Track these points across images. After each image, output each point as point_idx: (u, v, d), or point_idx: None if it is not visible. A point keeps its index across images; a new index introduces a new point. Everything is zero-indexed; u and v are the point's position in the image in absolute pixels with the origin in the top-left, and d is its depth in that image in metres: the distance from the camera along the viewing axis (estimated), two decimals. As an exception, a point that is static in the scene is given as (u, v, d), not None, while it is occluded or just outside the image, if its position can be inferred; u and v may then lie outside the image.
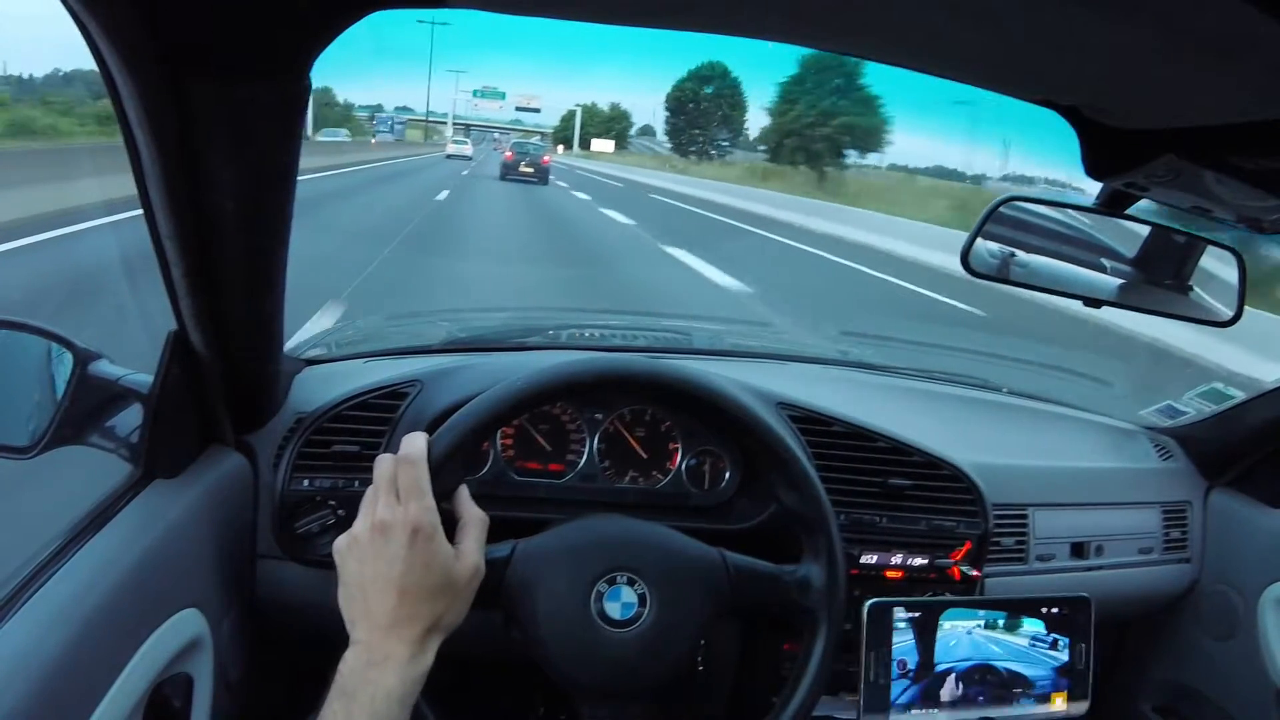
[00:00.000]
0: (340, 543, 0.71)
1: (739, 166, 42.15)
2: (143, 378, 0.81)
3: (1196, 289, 1.00)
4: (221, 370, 0.83)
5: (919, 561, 1.07)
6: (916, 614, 0.83)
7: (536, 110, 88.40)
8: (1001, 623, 0.85)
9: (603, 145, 72.85)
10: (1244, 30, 0.44)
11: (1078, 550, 1.20)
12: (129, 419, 0.82)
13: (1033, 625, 0.86)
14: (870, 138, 36.25)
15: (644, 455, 1.09)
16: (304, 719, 0.69)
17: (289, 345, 1.02)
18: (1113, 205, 0.86)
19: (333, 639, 0.69)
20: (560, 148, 73.92)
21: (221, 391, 0.86)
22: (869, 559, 1.06)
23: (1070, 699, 0.88)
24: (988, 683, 0.86)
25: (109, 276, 4.59)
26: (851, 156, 36.99)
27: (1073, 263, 0.99)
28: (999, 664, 0.85)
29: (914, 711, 0.85)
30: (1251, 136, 0.61)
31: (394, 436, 0.98)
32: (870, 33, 0.60)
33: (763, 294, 7.38)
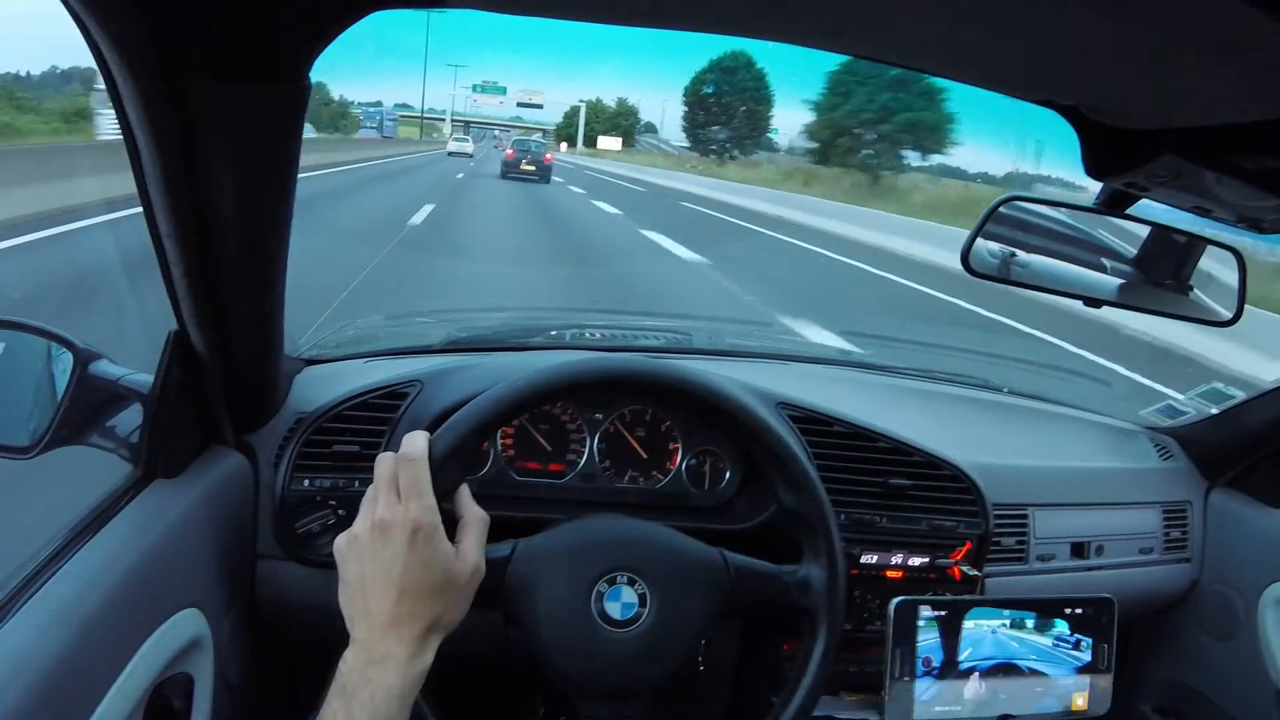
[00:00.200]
0: (341, 541, 0.72)
1: (767, 168, 37.94)
2: (143, 378, 0.81)
3: (1196, 289, 0.99)
4: (222, 370, 0.83)
5: (919, 561, 1.07)
6: (942, 613, 0.83)
7: (539, 106, 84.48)
8: (1025, 622, 0.85)
9: (609, 143, 68.20)
10: (1244, 30, 0.44)
11: (1078, 550, 1.20)
12: (129, 419, 0.82)
13: (1057, 625, 0.86)
14: (934, 137, 30.04)
15: (644, 455, 1.09)
16: (304, 719, 0.69)
17: (289, 345, 1.02)
18: (1113, 205, 0.86)
19: (333, 639, 0.69)
20: (564, 145, 70.66)
21: (222, 391, 0.86)
22: (869, 559, 1.06)
23: (1091, 699, 0.89)
24: (1010, 681, 0.86)
25: (48, 300, 4.18)
26: (910, 159, 31.10)
27: (1073, 263, 0.99)
28: (1022, 663, 0.85)
29: (937, 709, 0.85)
30: (1251, 136, 0.61)
31: (394, 436, 0.98)
32: (871, 33, 0.60)
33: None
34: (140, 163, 0.62)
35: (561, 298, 6.33)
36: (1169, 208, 0.83)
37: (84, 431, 0.80)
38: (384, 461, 0.73)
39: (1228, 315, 0.98)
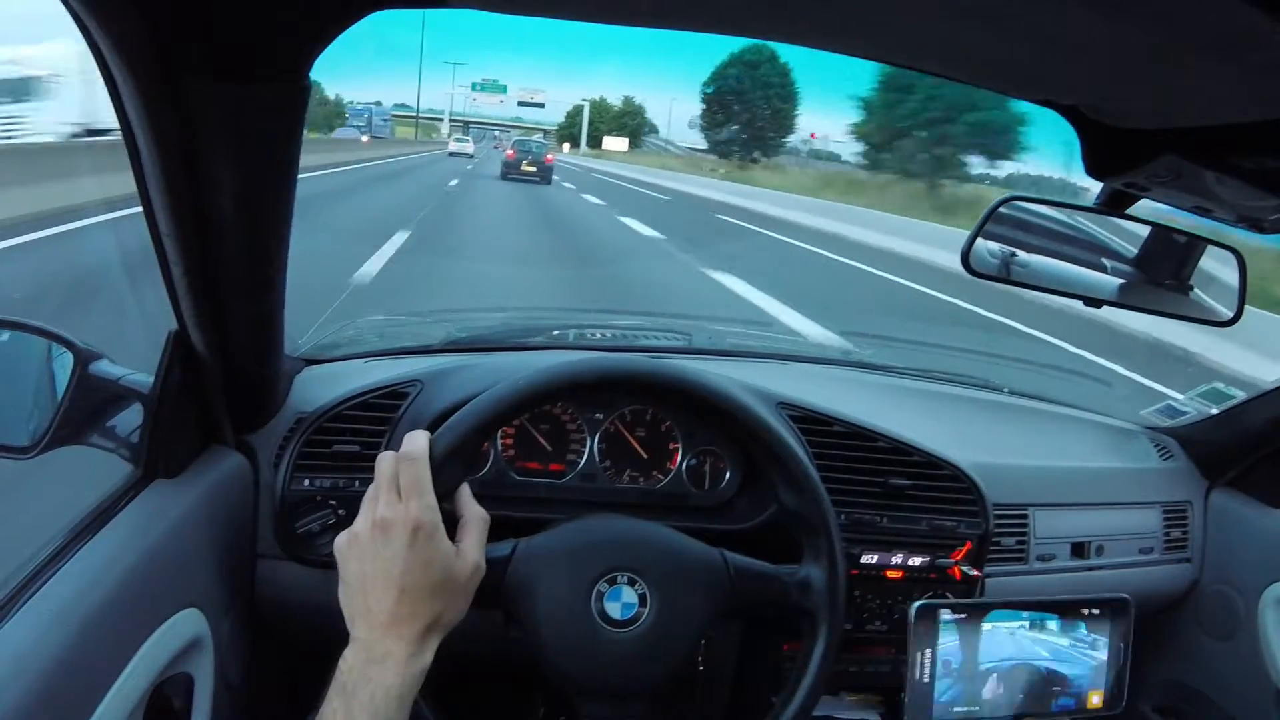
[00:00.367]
0: (341, 540, 0.72)
1: (797, 173, 34.56)
2: (143, 378, 0.81)
3: (1196, 289, 0.99)
4: (222, 370, 0.83)
5: (919, 561, 1.07)
6: (962, 615, 0.85)
7: (540, 105, 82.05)
8: (1044, 624, 0.86)
9: (615, 143, 65.44)
10: (1244, 30, 0.44)
11: (1078, 550, 1.20)
12: (129, 419, 0.82)
13: (1075, 626, 0.87)
14: (1004, 139, 25.60)
15: (644, 455, 1.09)
16: (304, 719, 0.69)
17: (289, 345, 1.02)
18: (1113, 205, 0.86)
19: (333, 639, 0.69)
20: (566, 146, 68.10)
21: (222, 391, 0.86)
22: (869, 559, 1.06)
23: (1106, 697, 0.90)
24: (1028, 682, 0.87)
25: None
26: (973, 165, 26.67)
27: (1073, 263, 0.99)
28: (1039, 664, 0.86)
29: (956, 709, 0.86)
30: (1251, 136, 0.61)
31: (394, 436, 0.98)
32: (872, 33, 0.60)
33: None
34: (140, 163, 0.62)
35: (562, 298, 6.17)
36: (1169, 208, 0.83)
37: (84, 431, 0.80)
38: (385, 460, 0.73)
39: (1228, 315, 0.98)
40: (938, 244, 10.06)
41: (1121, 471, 1.29)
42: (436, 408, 0.97)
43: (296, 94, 0.59)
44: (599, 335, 1.59)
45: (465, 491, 0.76)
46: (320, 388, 1.04)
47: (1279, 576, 1.17)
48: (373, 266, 6.37)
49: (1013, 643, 0.86)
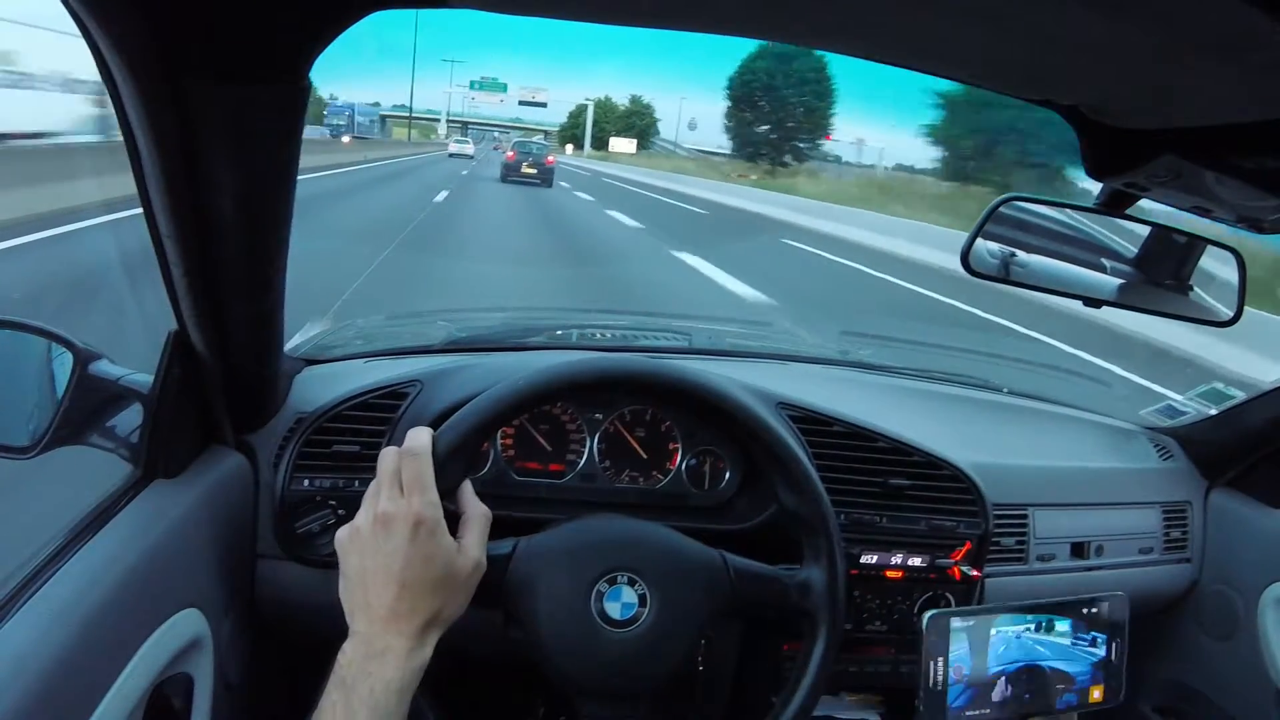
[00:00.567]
0: (342, 534, 0.72)
1: (838, 180, 30.14)
2: (143, 378, 0.81)
3: (1196, 289, 0.99)
4: (222, 370, 0.83)
5: (919, 561, 1.07)
6: (970, 623, 0.88)
7: (542, 104, 77.27)
8: (1047, 625, 0.90)
9: (623, 145, 61.52)
10: (1244, 30, 0.44)
11: (1078, 550, 1.20)
12: (129, 419, 0.82)
13: (1075, 625, 0.91)
14: None
15: (644, 455, 1.09)
16: (304, 718, 0.69)
17: (289, 345, 1.02)
18: (1113, 205, 0.86)
19: (333, 638, 0.69)
20: (569, 148, 64.79)
21: (222, 391, 0.86)
22: (869, 559, 1.06)
23: (1106, 691, 0.94)
24: (1034, 682, 0.91)
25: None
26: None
27: (1073, 263, 0.99)
28: (1044, 664, 0.90)
29: (968, 713, 0.89)
30: (1251, 136, 0.61)
31: (394, 436, 0.98)
32: (871, 33, 0.60)
33: None
34: (140, 163, 0.62)
35: (562, 298, 6.07)
36: (1169, 208, 0.83)
37: (84, 431, 0.80)
38: (387, 456, 0.73)
39: (1228, 315, 0.98)
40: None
41: (1121, 471, 1.29)
42: (436, 408, 0.97)
43: (296, 95, 0.59)
44: (599, 335, 1.59)
45: (467, 488, 0.76)
46: (320, 388, 1.04)
47: (1279, 576, 1.17)
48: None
49: (1019, 645, 0.89)
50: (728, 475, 1.09)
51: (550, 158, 23.54)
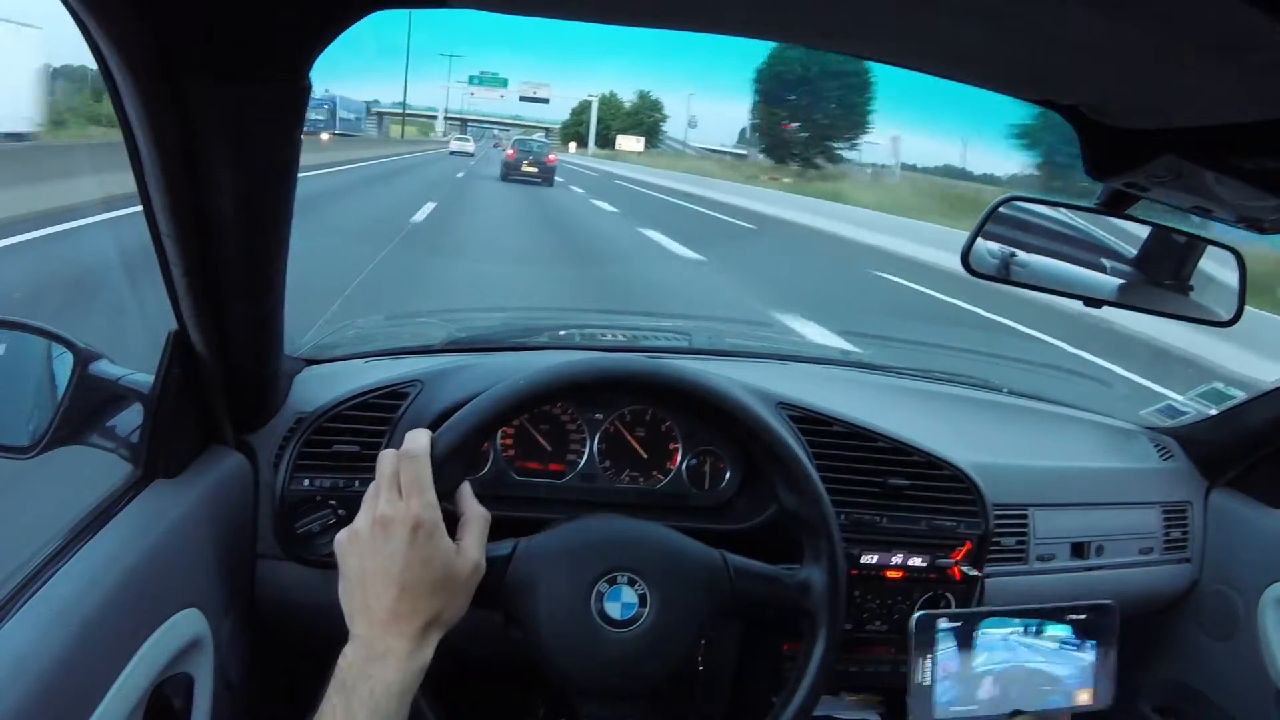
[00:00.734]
0: (342, 537, 0.72)
1: (891, 186, 26.85)
2: (143, 378, 0.81)
3: (1197, 289, 1.00)
4: (222, 370, 0.83)
5: (919, 561, 1.07)
6: (958, 624, 0.91)
7: (545, 100, 71.96)
8: (1034, 629, 0.92)
9: (630, 143, 57.12)
10: (1244, 30, 0.44)
11: (1078, 550, 1.20)
12: (129, 419, 0.82)
13: (1062, 630, 0.93)
14: None
15: (644, 455, 1.09)
16: (304, 719, 0.69)
17: (289, 345, 1.02)
18: (1113, 205, 0.86)
19: (333, 639, 0.69)
20: (573, 146, 62.15)
21: (222, 391, 0.86)
22: (869, 559, 1.06)
23: (1095, 695, 0.96)
24: (1020, 682, 0.93)
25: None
26: None
27: (1073, 263, 0.99)
28: (1031, 665, 0.92)
29: (955, 709, 0.92)
30: (1251, 136, 0.61)
31: (394, 436, 0.98)
32: (871, 33, 0.60)
33: None
34: (140, 163, 0.62)
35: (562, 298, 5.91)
36: (1169, 208, 0.83)
37: (84, 431, 0.80)
38: (386, 458, 0.73)
39: (1228, 315, 0.98)
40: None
41: (1121, 471, 1.29)
42: (437, 408, 0.97)
43: (297, 94, 0.59)
44: (599, 335, 1.59)
45: (466, 490, 0.76)
46: (320, 388, 1.04)
47: (1279, 576, 1.17)
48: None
49: (1005, 647, 0.91)
50: (728, 475, 1.09)
51: (551, 156, 23.02)
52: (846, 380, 1.44)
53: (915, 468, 1.08)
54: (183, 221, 0.66)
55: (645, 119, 62.32)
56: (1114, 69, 0.57)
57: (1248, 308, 0.97)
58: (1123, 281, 0.99)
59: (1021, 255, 0.97)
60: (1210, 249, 0.97)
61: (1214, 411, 1.31)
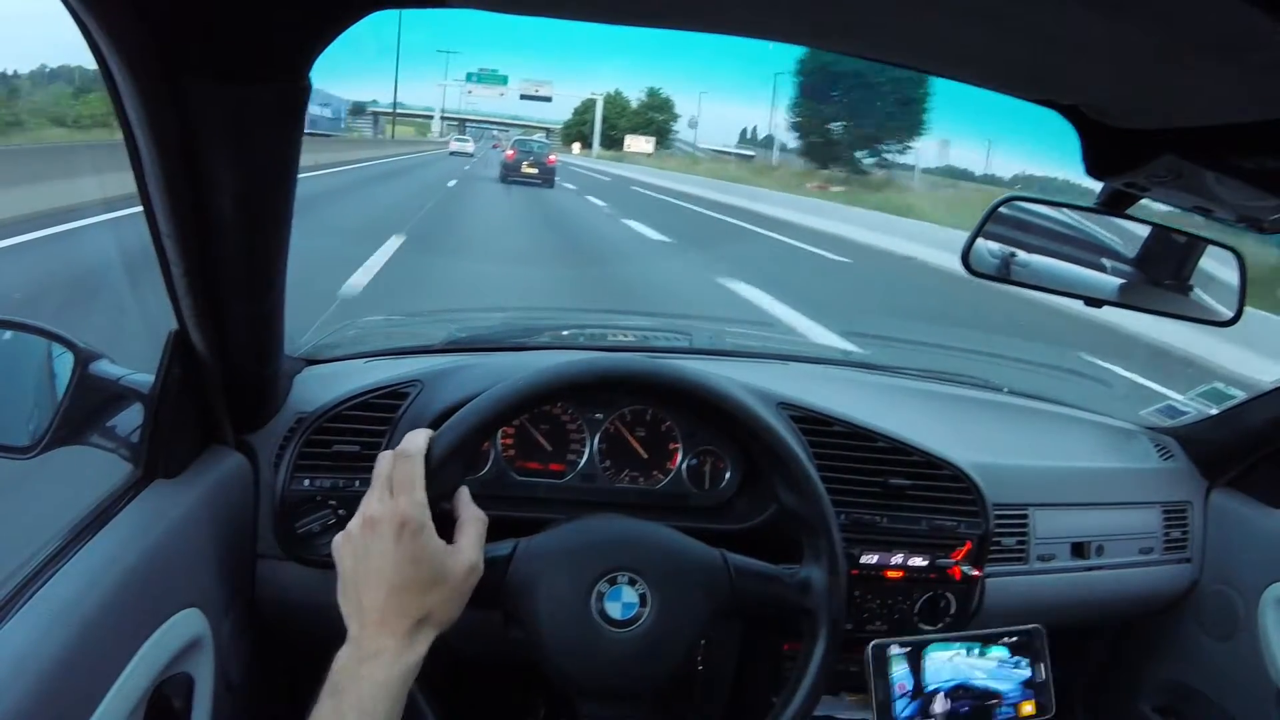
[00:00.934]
0: (337, 539, 0.72)
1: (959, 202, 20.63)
2: (143, 378, 0.81)
3: (1196, 289, 1.00)
4: (222, 370, 0.83)
5: (919, 561, 1.07)
6: (907, 649, 1.01)
7: (547, 99, 67.61)
8: (974, 650, 1.03)
9: (640, 144, 54.41)
10: (1244, 30, 0.44)
11: (1078, 550, 1.20)
12: (129, 419, 0.82)
13: (998, 650, 1.03)
14: None
15: (644, 455, 1.09)
16: (304, 719, 0.69)
17: (289, 345, 1.02)
18: (1113, 205, 0.86)
19: (333, 639, 0.69)
20: (577, 147, 59.04)
21: (222, 391, 0.86)
22: (869, 559, 1.06)
23: (1037, 707, 1.05)
24: (968, 697, 1.03)
25: None
26: None
27: (1073, 263, 0.99)
28: (976, 683, 1.02)
29: None
30: (1251, 136, 0.61)
31: (394, 436, 0.98)
32: (871, 32, 0.60)
33: None
34: (140, 163, 0.62)
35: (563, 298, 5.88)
36: (1169, 208, 0.83)
37: (84, 431, 0.80)
38: (383, 459, 0.74)
39: (1228, 315, 0.98)
40: None
41: (1121, 471, 1.29)
42: (436, 408, 0.97)
43: (297, 94, 0.59)
44: (599, 335, 1.59)
45: (464, 493, 0.76)
46: (320, 388, 1.04)
47: (1279, 576, 1.17)
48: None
49: (951, 667, 1.01)
50: (728, 475, 1.09)
51: (552, 157, 22.61)
52: (846, 380, 1.44)
53: (915, 468, 1.08)
54: (183, 221, 0.66)
55: (655, 118, 59.56)
56: (1114, 69, 0.57)
57: (1247, 308, 0.97)
58: (1123, 281, 0.99)
59: (1022, 255, 0.97)
60: (1210, 249, 0.97)
61: (1214, 411, 1.31)
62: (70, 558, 0.69)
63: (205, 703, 0.80)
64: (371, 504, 0.71)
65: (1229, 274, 0.98)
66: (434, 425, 0.79)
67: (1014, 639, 1.02)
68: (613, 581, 0.78)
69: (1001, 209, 0.95)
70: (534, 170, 20.81)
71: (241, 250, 0.72)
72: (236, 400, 0.90)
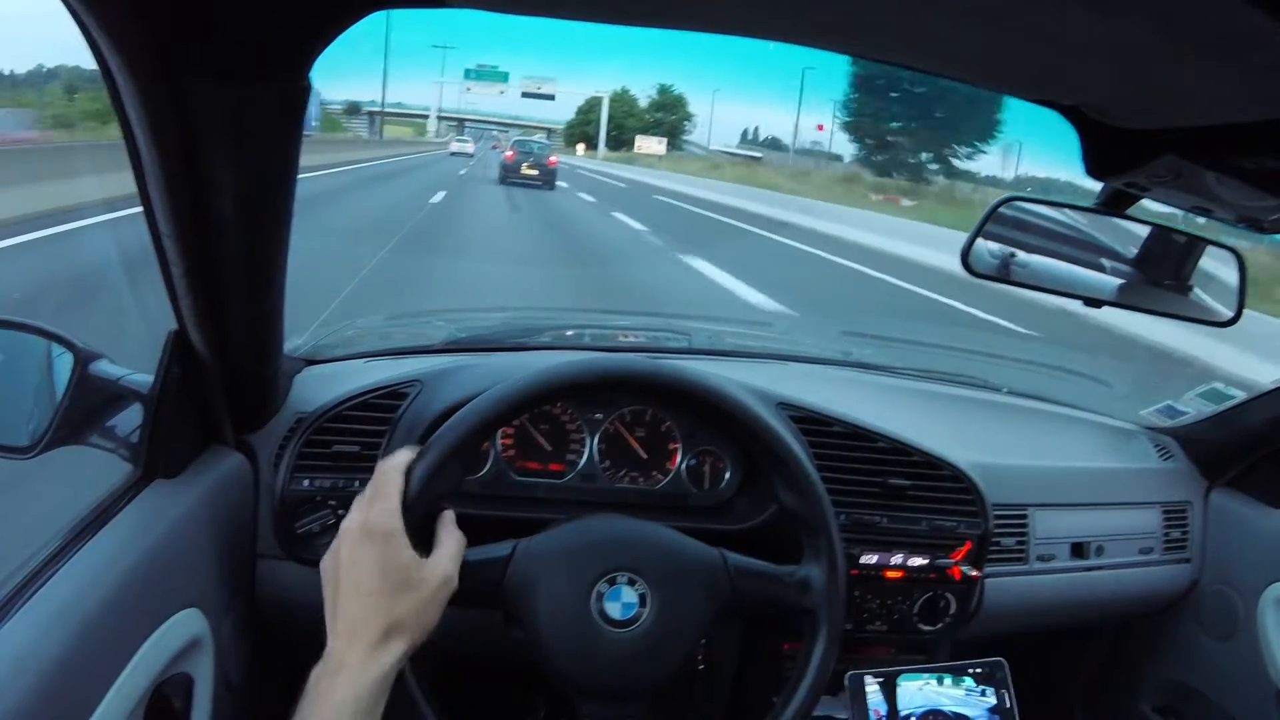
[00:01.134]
0: (325, 559, 0.73)
1: None
2: (143, 378, 0.81)
3: (1196, 289, 1.00)
4: (221, 370, 0.83)
5: (919, 562, 1.07)
6: (881, 679, 1.06)
7: (550, 97, 63.10)
8: (944, 680, 1.08)
9: (651, 145, 50.29)
10: (1245, 30, 0.44)
11: (1078, 550, 1.20)
12: (129, 419, 0.82)
13: (965, 681, 1.08)
14: None
15: (644, 455, 1.09)
16: None
17: (289, 345, 1.02)
18: (1113, 205, 0.86)
19: None
20: (581, 148, 54.98)
21: (221, 391, 0.86)
22: (869, 559, 1.06)
23: None
24: None
25: None
26: None
27: (1073, 263, 0.99)
28: (945, 709, 1.07)
29: None
30: (1251, 136, 0.61)
31: (394, 436, 0.99)
32: (872, 32, 0.60)
33: None
34: (140, 163, 0.62)
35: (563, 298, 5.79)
36: (1169, 208, 0.83)
37: (84, 431, 0.80)
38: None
39: (1228, 315, 0.98)
40: None
41: (1121, 472, 1.29)
42: (436, 408, 0.97)
43: (297, 94, 0.59)
44: (599, 335, 1.59)
45: (448, 515, 0.77)
46: (320, 388, 1.04)
47: (1279, 576, 1.17)
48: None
49: (922, 695, 1.06)
50: (728, 475, 1.09)
51: (553, 158, 21.95)
52: (846, 380, 1.44)
53: (915, 468, 1.08)
54: (183, 221, 0.66)
55: (666, 118, 55.45)
56: (1114, 69, 0.57)
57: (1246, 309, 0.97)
58: (1123, 281, 0.99)
59: (1021, 255, 0.97)
60: (1210, 249, 0.97)
61: (1213, 412, 1.31)
62: (70, 558, 0.69)
63: (205, 703, 0.80)
64: (350, 515, 0.72)
65: (1229, 274, 0.98)
66: (434, 425, 0.79)
67: (978, 670, 1.08)
68: (612, 582, 0.78)
69: (1001, 209, 0.95)
70: (534, 172, 20.26)
71: (241, 250, 0.72)
72: (236, 400, 0.90)
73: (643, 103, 58.57)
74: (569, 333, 1.58)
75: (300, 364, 1.12)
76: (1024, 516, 1.16)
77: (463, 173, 22.66)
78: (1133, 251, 0.99)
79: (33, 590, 0.64)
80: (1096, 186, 0.84)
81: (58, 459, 0.78)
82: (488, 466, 1.06)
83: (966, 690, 1.07)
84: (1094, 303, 0.98)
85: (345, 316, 1.62)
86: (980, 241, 0.95)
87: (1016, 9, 0.49)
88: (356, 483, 0.98)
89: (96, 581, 0.67)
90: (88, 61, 0.56)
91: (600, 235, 11.94)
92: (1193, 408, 1.38)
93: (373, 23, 0.56)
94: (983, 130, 26.97)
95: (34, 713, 0.57)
